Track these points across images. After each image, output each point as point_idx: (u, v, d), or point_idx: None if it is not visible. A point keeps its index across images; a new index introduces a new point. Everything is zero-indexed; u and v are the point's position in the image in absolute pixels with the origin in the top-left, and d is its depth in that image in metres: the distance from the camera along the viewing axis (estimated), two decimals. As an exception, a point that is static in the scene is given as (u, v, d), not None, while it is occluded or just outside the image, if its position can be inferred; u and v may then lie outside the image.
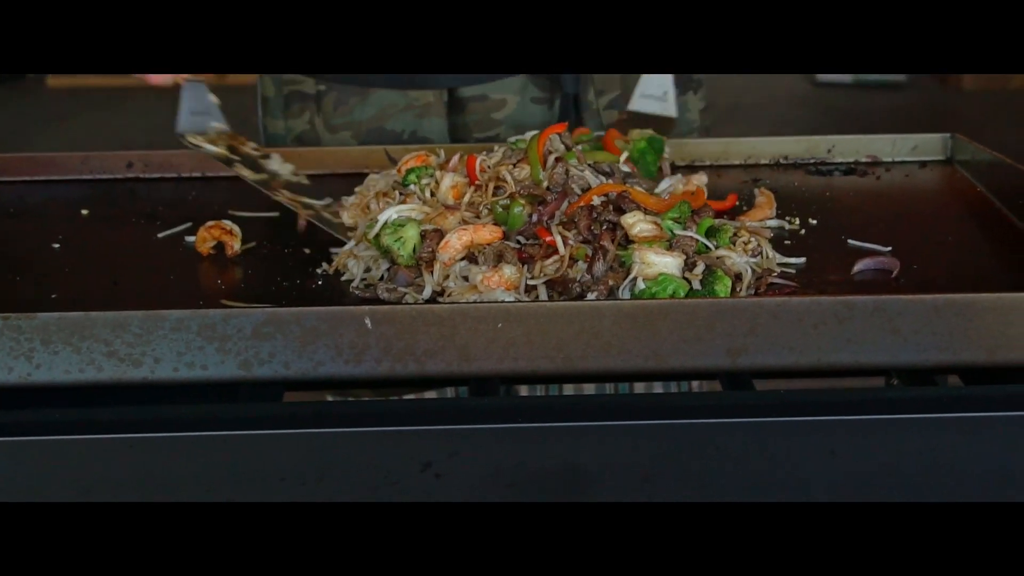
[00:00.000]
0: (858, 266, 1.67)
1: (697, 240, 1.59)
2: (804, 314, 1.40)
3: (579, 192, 1.67)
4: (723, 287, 1.53)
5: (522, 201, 1.65)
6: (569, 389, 2.07)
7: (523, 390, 1.92)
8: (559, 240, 1.57)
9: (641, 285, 1.52)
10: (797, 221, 1.89)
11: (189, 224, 1.92)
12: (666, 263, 1.53)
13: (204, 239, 1.80)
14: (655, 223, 1.59)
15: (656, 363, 1.40)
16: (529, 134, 1.81)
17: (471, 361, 1.40)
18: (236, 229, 1.81)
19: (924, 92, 8.43)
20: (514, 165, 1.73)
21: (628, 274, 1.53)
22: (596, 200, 1.64)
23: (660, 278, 1.51)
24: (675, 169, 2.02)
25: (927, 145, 2.22)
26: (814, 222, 1.89)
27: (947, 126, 2.27)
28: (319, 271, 1.72)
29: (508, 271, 1.54)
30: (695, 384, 2.13)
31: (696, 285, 1.53)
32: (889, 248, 1.75)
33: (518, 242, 1.62)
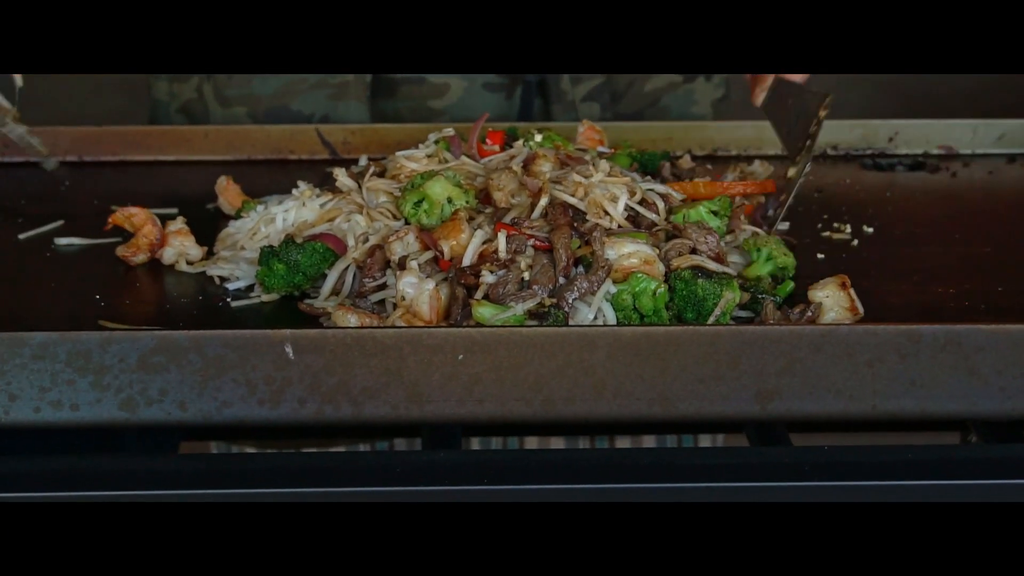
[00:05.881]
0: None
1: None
2: (856, 347, 1.39)
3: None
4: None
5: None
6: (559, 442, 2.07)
7: (492, 442, 1.92)
8: (502, 240, 1.61)
9: (613, 289, 1.56)
10: (848, 229, 1.89)
11: (60, 223, 1.92)
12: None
13: (138, 246, 1.80)
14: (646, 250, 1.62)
15: (663, 409, 1.40)
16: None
17: (423, 403, 1.39)
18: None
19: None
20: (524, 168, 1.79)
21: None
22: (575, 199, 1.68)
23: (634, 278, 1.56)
24: (695, 160, 2.02)
25: (1017, 134, 2.23)
26: (870, 230, 1.89)
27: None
28: (229, 285, 1.72)
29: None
30: (716, 438, 2.13)
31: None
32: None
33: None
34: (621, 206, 1.65)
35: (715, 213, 1.68)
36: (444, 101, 2.26)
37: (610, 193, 1.67)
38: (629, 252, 1.58)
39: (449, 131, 1.91)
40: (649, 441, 2.13)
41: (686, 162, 1.96)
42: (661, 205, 1.68)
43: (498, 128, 1.96)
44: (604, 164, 1.72)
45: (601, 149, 1.95)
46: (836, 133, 2.23)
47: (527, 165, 1.77)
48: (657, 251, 1.60)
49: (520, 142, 1.89)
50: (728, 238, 1.70)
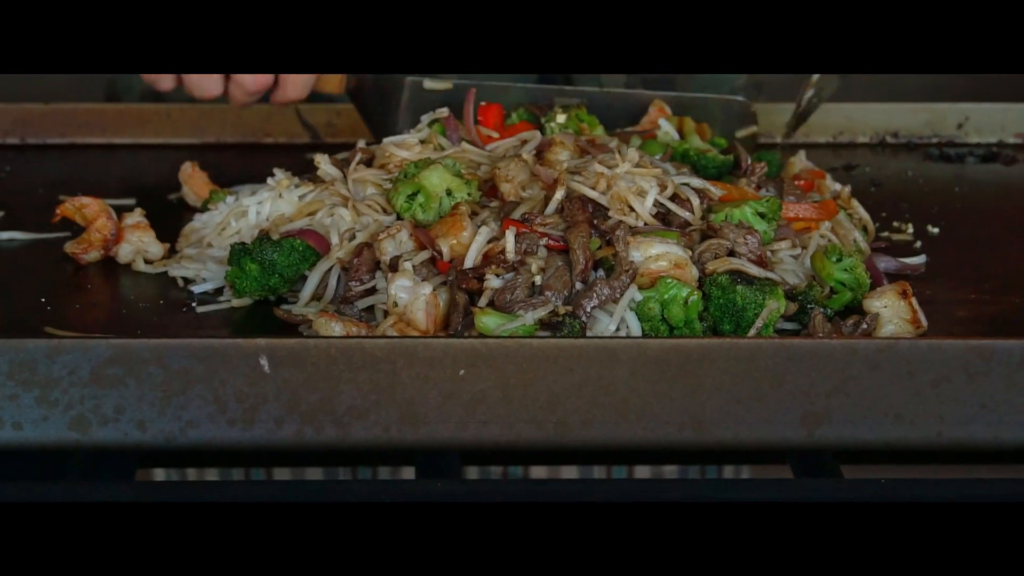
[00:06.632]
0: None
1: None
2: (918, 365, 1.39)
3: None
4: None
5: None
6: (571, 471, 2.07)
7: (495, 470, 1.92)
8: (510, 238, 1.60)
9: (638, 296, 1.56)
10: (910, 228, 1.91)
11: (0, 214, 1.93)
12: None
13: (90, 242, 1.80)
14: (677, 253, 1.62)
15: (696, 434, 1.40)
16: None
17: (419, 425, 1.39)
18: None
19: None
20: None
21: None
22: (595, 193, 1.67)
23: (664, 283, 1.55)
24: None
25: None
26: (935, 230, 1.90)
27: None
28: (194, 288, 1.73)
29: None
30: (738, 469, 2.13)
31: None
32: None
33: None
34: (649, 201, 1.65)
35: (762, 215, 1.68)
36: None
37: (637, 187, 1.67)
38: (657, 254, 1.58)
39: (444, 111, 1.91)
40: (673, 472, 2.13)
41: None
42: (696, 202, 1.68)
43: (513, 112, 1.96)
44: (632, 153, 1.72)
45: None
46: (897, 118, 2.23)
47: (541, 152, 1.77)
48: (690, 253, 1.60)
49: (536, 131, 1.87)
50: (793, 251, 1.70)
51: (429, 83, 1.98)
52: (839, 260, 1.64)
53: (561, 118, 1.91)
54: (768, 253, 1.64)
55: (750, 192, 1.74)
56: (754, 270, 1.58)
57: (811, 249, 1.69)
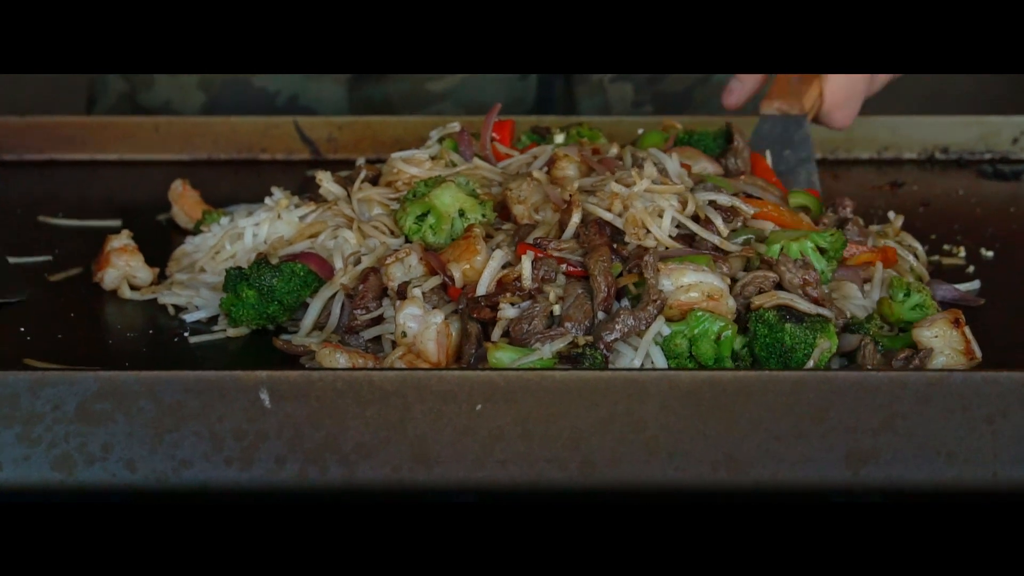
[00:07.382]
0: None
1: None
2: (972, 399, 1.40)
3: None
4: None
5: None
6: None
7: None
8: (527, 265, 1.60)
9: (666, 330, 1.56)
10: (962, 252, 1.91)
11: (-22, 238, 1.94)
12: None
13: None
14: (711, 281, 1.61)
15: (731, 474, 1.40)
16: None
17: (431, 464, 1.40)
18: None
19: None
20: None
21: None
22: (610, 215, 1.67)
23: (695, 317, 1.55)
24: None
25: None
26: (989, 254, 1.91)
27: None
28: (186, 316, 1.74)
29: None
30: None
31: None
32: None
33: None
34: (667, 222, 1.64)
35: (822, 251, 1.67)
36: (444, 82, 2.27)
37: (655, 206, 1.65)
38: (690, 284, 1.58)
39: (455, 126, 1.91)
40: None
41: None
42: (719, 223, 1.66)
43: (520, 121, 1.96)
44: (650, 168, 1.70)
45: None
46: (947, 132, 2.23)
47: (551, 169, 1.77)
48: (728, 281, 1.59)
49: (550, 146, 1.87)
50: (865, 286, 1.70)
51: None
52: (907, 296, 1.64)
53: (559, 138, 1.91)
54: (825, 290, 1.63)
55: (804, 220, 1.73)
56: (804, 305, 1.57)
57: (875, 284, 1.69)
